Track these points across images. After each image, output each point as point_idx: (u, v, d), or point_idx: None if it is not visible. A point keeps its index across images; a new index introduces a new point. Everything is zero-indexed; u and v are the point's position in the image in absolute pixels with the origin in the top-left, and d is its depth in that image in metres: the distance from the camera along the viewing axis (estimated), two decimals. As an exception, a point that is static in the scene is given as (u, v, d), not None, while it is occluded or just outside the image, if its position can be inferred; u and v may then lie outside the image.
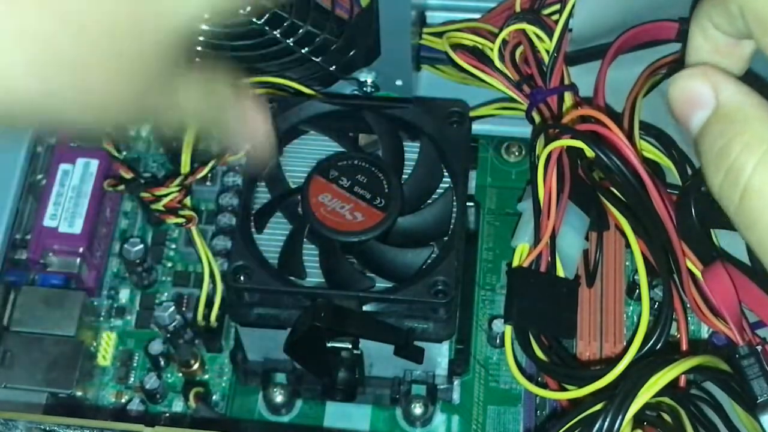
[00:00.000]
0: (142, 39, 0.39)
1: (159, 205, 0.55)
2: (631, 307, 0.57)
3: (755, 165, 0.31)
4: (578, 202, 0.54)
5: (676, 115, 0.35)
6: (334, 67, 0.61)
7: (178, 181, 0.56)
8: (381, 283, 0.50)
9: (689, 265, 0.50)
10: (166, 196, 0.55)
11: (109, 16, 0.36)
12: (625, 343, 0.54)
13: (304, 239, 0.51)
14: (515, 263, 0.53)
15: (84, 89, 0.37)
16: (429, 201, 0.53)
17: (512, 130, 0.63)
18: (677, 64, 0.57)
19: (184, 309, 0.58)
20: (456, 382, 0.56)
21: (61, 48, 0.33)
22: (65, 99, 0.36)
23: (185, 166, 0.57)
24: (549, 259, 0.52)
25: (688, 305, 0.51)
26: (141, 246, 0.58)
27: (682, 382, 0.47)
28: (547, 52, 0.57)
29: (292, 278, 0.50)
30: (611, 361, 0.48)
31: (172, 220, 0.55)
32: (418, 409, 0.53)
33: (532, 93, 0.57)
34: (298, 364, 0.52)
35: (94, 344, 0.57)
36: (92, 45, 0.35)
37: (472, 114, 0.61)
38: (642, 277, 0.50)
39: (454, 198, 0.52)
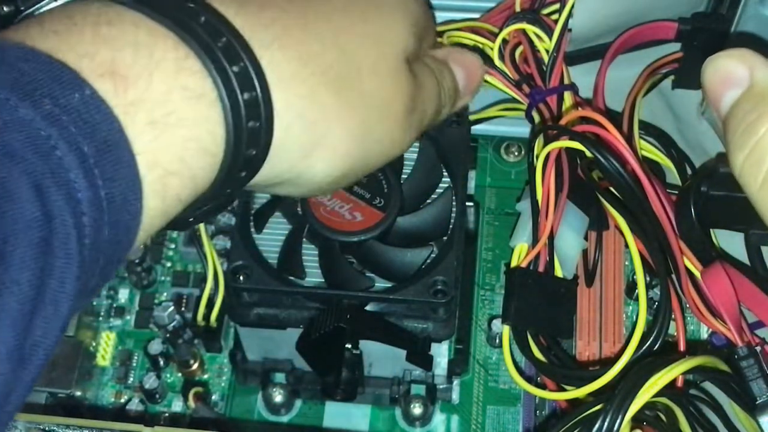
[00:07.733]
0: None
1: None
2: (630, 307, 0.57)
3: None
4: (577, 201, 0.54)
5: (708, 94, 0.35)
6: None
7: None
8: (381, 283, 0.50)
9: (688, 265, 0.50)
10: None
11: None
12: (624, 343, 0.54)
13: (304, 239, 0.51)
14: (514, 263, 0.53)
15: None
16: (428, 201, 0.53)
17: (511, 130, 0.63)
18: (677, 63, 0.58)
19: (183, 309, 0.58)
20: (455, 382, 0.56)
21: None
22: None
23: None
24: (547, 259, 0.52)
25: (687, 305, 0.51)
26: (140, 245, 0.57)
27: (680, 383, 0.47)
28: (547, 51, 0.57)
29: (291, 278, 0.50)
30: (611, 361, 0.47)
31: None
32: (417, 409, 0.53)
33: (531, 93, 0.56)
34: (306, 362, 0.52)
35: (94, 344, 0.58)
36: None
37: (474, 117, 0.61)
38: (639, 277, 0.50)
39: (454, 198, 0.52)
